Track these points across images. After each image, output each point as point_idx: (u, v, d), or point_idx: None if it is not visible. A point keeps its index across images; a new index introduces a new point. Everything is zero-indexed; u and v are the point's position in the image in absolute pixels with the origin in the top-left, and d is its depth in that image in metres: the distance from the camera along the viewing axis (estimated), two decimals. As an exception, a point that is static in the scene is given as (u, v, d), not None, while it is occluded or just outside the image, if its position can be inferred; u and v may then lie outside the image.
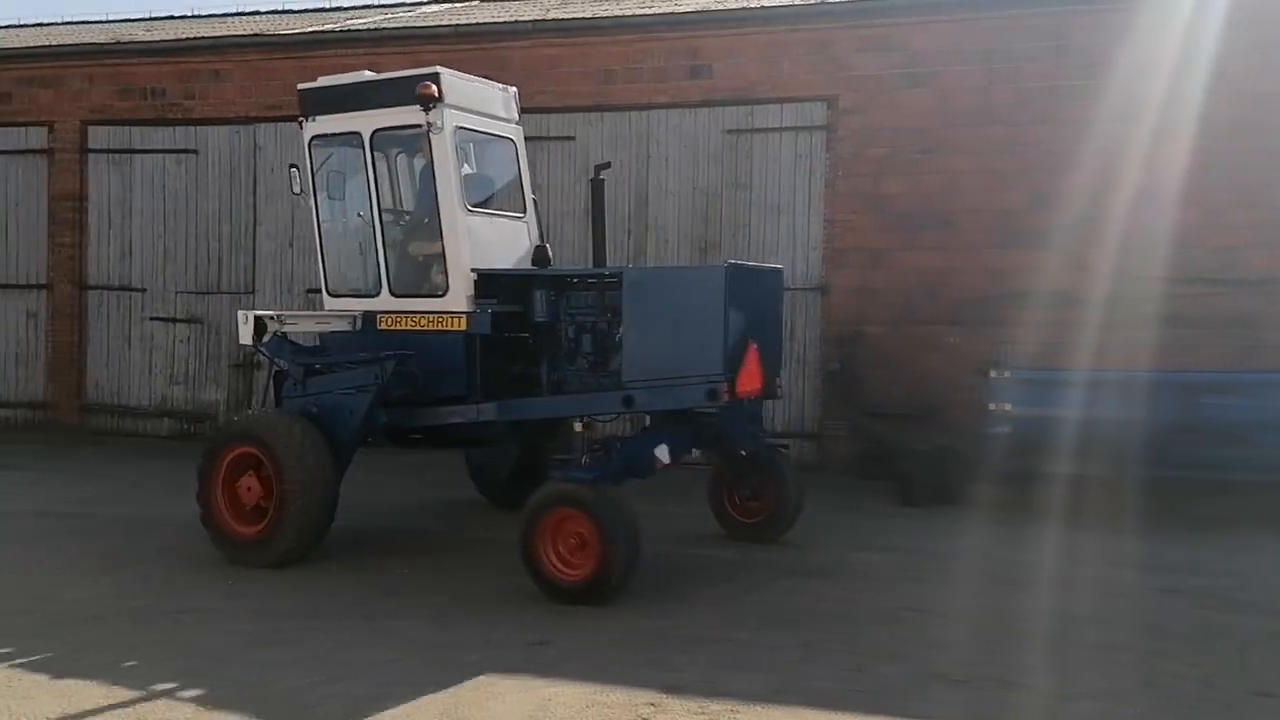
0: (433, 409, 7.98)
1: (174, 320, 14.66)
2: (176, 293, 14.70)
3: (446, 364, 7.87)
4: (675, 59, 12.75)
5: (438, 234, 7.96)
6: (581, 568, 6.43)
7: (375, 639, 5.69)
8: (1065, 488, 8.88)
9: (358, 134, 8.26)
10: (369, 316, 8.14)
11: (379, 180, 8.39)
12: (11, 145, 15.10)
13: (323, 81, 8.76)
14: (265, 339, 7.93)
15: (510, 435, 8.42)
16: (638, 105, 12.91)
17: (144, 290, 14.77)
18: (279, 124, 14.21)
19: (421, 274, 8.31)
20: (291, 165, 9.01)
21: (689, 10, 12.91)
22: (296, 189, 8.74)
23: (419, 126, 7.86)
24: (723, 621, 6.11)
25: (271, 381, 8.54)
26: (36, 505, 9.49)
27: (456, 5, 16.46)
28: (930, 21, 11.76)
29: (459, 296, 7.85)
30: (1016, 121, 11.34)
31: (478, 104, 8.59)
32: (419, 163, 8.56)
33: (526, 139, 13.37)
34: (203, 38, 14.64)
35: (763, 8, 12.50)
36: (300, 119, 8.70)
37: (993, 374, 9.91)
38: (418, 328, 8.00)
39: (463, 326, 7.80)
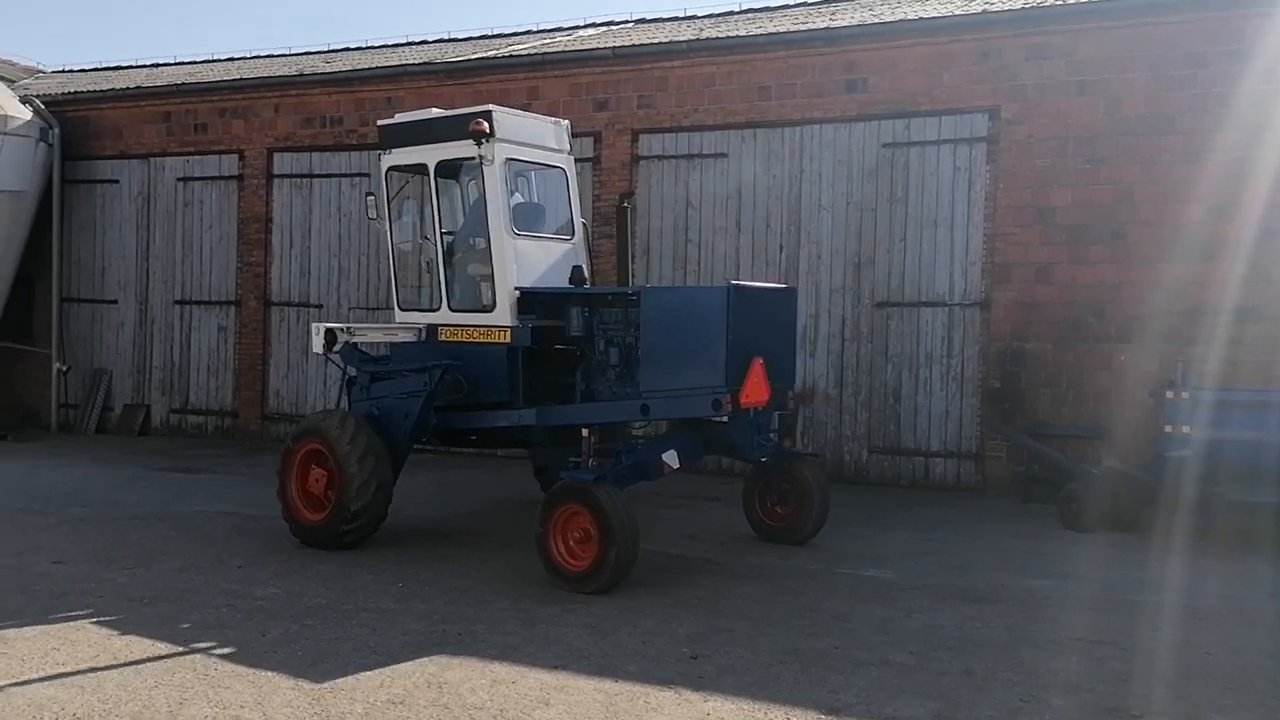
0: (480, 413, 8.86)
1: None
2: (350, 309, 15.49)
3: (492, 372, 8.68)
4: (831, 73, 12.68)
5: (488, 256, 8.80)
6: (584, 559, 7.08)
7: (535, 645, 5.86)
8: (1247, 515, 8.38)
9: (424, 165, 9.15)
10: (432, 329, 9.04)
11: (442, 206, 9.23)
12: (208, 172, 16.29)
13: (399, 118, 9.71)
14: (336, 348, 8.86)
15: (548, 438, 9.08)
16: (792, 121, 12.89)
17: (321, 306, 15.63)
18: (445, 147, 14.83)
19: (474, 291, 9.16)
20: (368, 194, 9.97)
21: (846, 24, 12.81)
22: (373, 214, 9.67)
23: (468, 159, 8.80)
24: (883, 644, 6.03)
25: (344, 386, 9.43)
26: (223, 507, 10.20)
27: (614, 27, 16.82)
28: (1097, 28, 11.33)
29: (504, 312, 8.68)
30: (1191, 129, 10.78)
31: (529, 137, 9.31)
32: (474, 191, 9.34)
33: (680, 157, 13.60)
34: (377, 67, 15.44)
35: (922, 19, 12.29)
36: (380, 152, 9.57)
37: (1169, 394, 9.42)
38: (471, 340, 8.87)
39: (507, 339, 8.65)
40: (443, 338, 9.00)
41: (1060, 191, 11.47)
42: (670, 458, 7.85)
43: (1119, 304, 11.10)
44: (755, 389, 7.68)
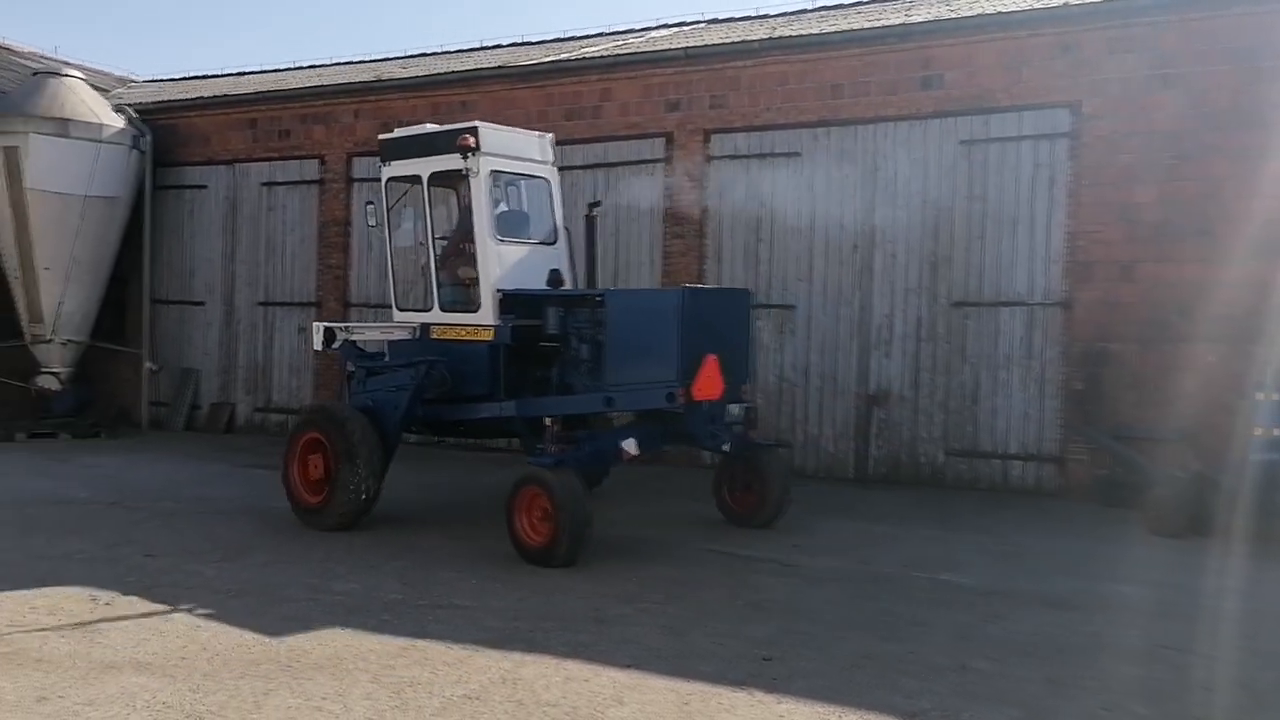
0: (465, 405, 9.55)
1: (422, 335, 15.69)
2: (425, 309, 15.72)
3: (477, 368, 9.40)
4: (906, 70, 12.51)
5: (473, 260, 9.50)
6: (543, 535, 7.82)
7: (608, 644, 5.90)
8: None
9: (419, 176, 9.83)
10: (424, 328, 9.74)
11: (435, 214, 9.91)
12: (290, 177, 16.71)
13: (397, 133, 10.48)
14: (335, 346, 9.67)
15: (526, 428, 9.55)
16: (865, 119, 12.76)
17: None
18: (518, 150, 14.99)
19: (462, 293, 9.81)
20: (368, 202, 10.74)
21: (921, 20, 12.62)
22: (372, 222, 10.46)
23: (455, 171, 9.49)
24: (961, 649, 5.94)
25: (345, 380, 10.25)
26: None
27: (686, 28, 16.81)
28: (1181, 19, 11.00)
29: (488, 312, 9.40)
30: (1282, 123, 10.40)
31: (513, 150, 10.02)
32: (458, 196, 10.08)
33: (752, 156, 13.56)
34: (451, 72, 15.67)
35: (1000, 13, 12.06)
36: (380, 164, 10.27)
37: (1259, 396, 9.11)
38: (459, 338, 9.59)
39: (490, 337, 9.37)
40: (434, 336, 9.69)
41: (1144, 188, 11.16)
42: (629, 445, 8.58)
43: (1205, 303, 10.75)
44: (708, 383, 8.25)
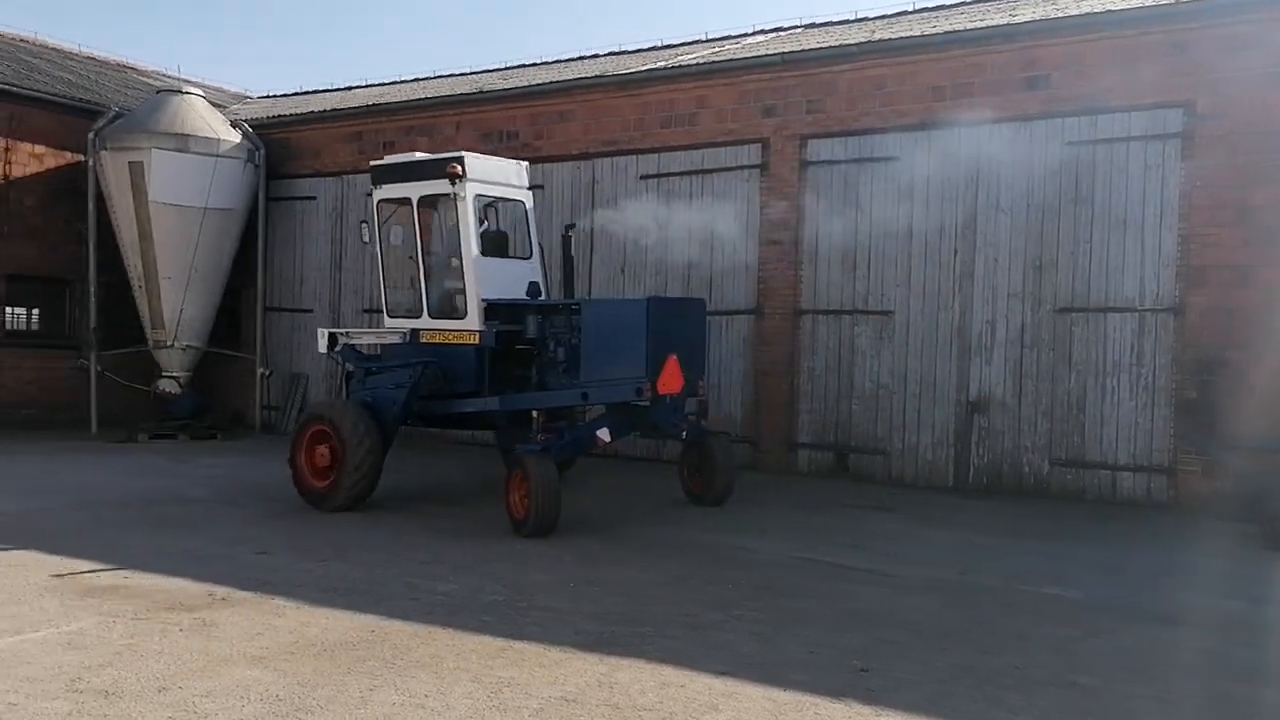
0: (455, 400, 10.80)
1: (520, 341, 15.96)
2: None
3: (465, 368, 10.70)
4: (1010, 71, 12.26)
5: (460, 273, 10.75)
6: (520, 511, 9.14)
7: (702, 650, 5.91)
8: None
9: (409, 199, 11.02)
10: (414, 333, 10.98)
11: (422, 232, 11.04)
12: (393, 187, 17.16)
13: (387, 159, 11.68)
14: (337, 348, 11.07)
15: (508, 420, 10.97)
16: (967, 121, 12.52)
17: (496, 314, 16.20)
18: (614, 158, 15.18)
19: (449, 302, 11.02)
20: (362, 221, 11.83)
21: (1027, 20, 12.34)
22: (366, 239, 11.47)
23: (444, 195, 10.72)
24: (1065, 665, 5.78)
25: (344, 379, 11.52)
26: (408, 505, 10.72)
27: (783, 33, 16.76)
28: (1302, 14, 10.53)
29: (474, 319, 10.65)
30: None
31: (495, 176, 11.33)
32: (445, 217, 11.19)
33: (849, 161, 13.52)
34: (550, 82, 15.92)
35: (1109, 11, 11.72)
36: (371, 187, 11.41)
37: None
38: (446, 341, 10.83)
39: (476, 341, 10.63)
40: (424, 339, 10.94)
41: (1262, 189, 10.72)
42: (603, 433, 10.02)
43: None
44: (670, 379, 9.60)
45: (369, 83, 21.75)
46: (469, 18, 66.60)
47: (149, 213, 16.60)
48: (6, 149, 17.15)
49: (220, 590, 6.96)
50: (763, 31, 17.40)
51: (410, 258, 11.23)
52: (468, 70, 20.48)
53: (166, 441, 16.14)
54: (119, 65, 23.41)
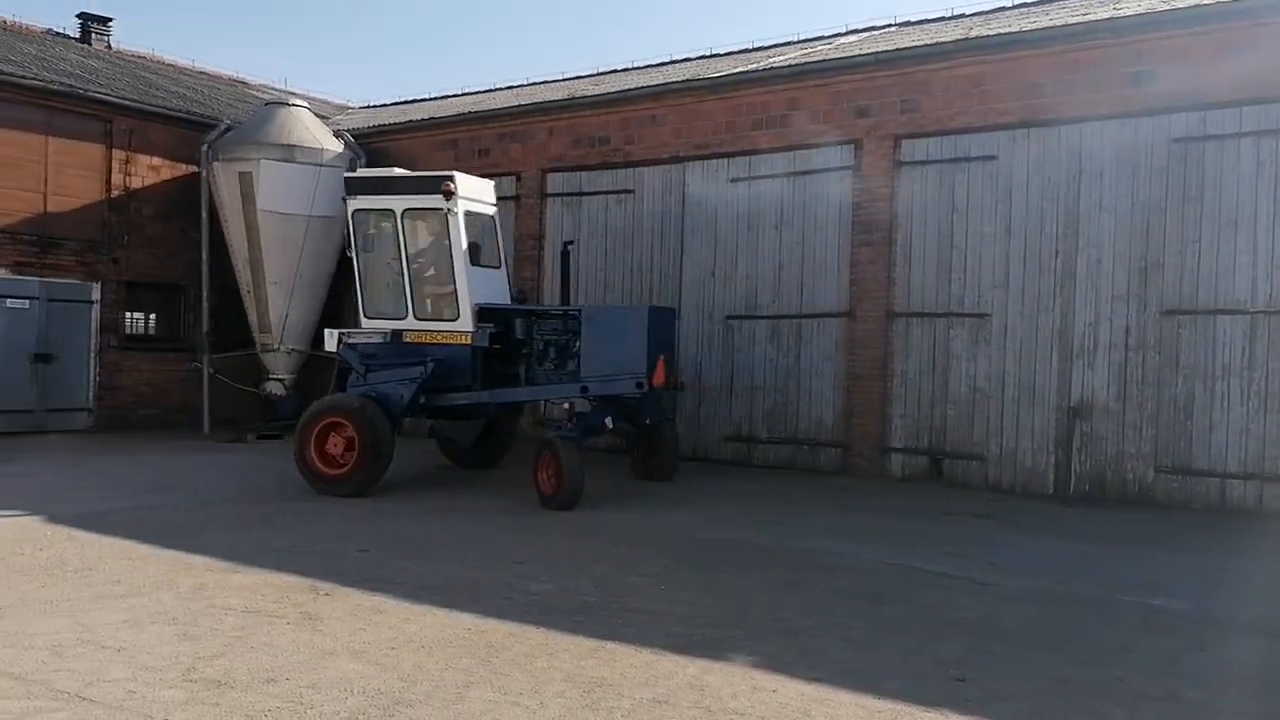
0: (450, 394, 11.94)
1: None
2: (615, 319, 16.12)
3: (459, 365, 11.81)
4: (1114, 67, 11.91)
5: (451, 280, 11.91)
6: (550, 486, 10.65)
7: (794, 655, 5.89)
8: None
9: (392, 211, 12.02)
10: (396, 333, 11.99)
11: (406, 241, 11.99)
12: (488, 193, 17.51)
13: (361, 173, 13.27)
14: (340, 347, 12.13)
15: (496, 412, 12.82)
16: (1069, 119, 12.22)
17: (587, 317, 16.37)
18: (704, 161, 15.21)
19: (438, 305, 12.14)
20: (343, 233, 12.85)
21: (1132, 14, 11.97)
22: (350, 251, 12.40)
23: (439, 209, 11.82)
24: (1170, 678, 5.60)
25: (337, 376, 12.47)
26: (501, 505, 10.92)
27: (876, 32, 16.57)
28: None
29: (466, 321, 11.81)
30: None
31: (475, 194, 12.48)
32: (430, 229, 12.30)
33: (945, 161, 13.37)
34: (641, 87, 16.03)
35: (1219, 3, 11.29)
36: (345, 197, 12.29)
37: None
38: (435, 341, 11.89)
39: (469, 341, 11.78)
40: (408, 339, 11.95)
41: (1390, 184, 10.19)
42: (609, 421, 11.48)
43: None
44: (660, 375, 11.30)
45: (465, 91, 22.21)
46: (563, 25, 67.38)
47: (257, 221, 17.24)
48: (127, 161, 18.02)
49: (324, 585, 7.19)
50: (855, 31, 17.22)
51: (389, 264, 12.18)
52: (561, 76, 20.77)
53: (272, 441, 16.71)
54: (231, 80, 24.37)
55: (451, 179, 11.82)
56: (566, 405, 11.46)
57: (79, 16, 22.60)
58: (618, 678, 5.43)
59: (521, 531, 9.51)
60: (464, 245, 11.88)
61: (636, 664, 5.67)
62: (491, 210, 12.90)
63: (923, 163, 13.37)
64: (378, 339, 12.04)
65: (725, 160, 15.03)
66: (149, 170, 18.36)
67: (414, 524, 9.79)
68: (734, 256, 14.98)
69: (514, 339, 12.17)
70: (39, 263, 16.88)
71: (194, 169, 18.30)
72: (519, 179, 17.13)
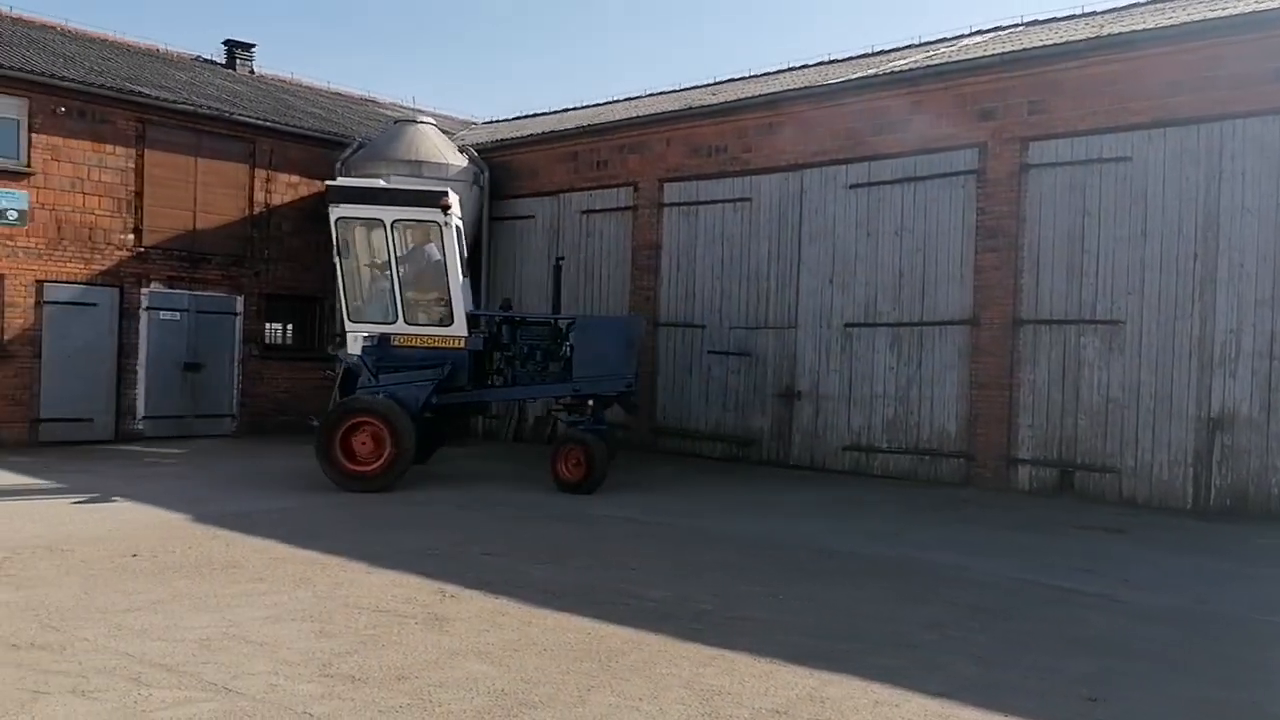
0: (451, 393, 12.81)
1: (727, 353, 16.13)
2: (730, 328, 16.15)
3: (459, 368, 12.68)
4: (1258, 62, 11.35)
5: (445, 288, 12.64)
6: (577, 475, 12.20)
7: (917, 669, 5.80)
8: None
9: (380, 220, 12.57)
10: (384, 337, 12.60)
11: (395, 250, 12.54)
12: (607, 204, 17.77)
13: (344, 182, 13.93)
14: (361, 351, 12.60)
15: (483, 410, 14.44)
16: (1208, 117, 11.70)
17: (703, 326, 16.44)
18: (822, 168, 15.09)
19: (430, 311, 12.84)
20: (331, 239, 12.95)
21: (1276, 7, 11.38)
22: (337, 257, 12.74)
23: (434, 222, 12.50)
24: (1319, 706, 5.31)
25: (341, 377, 13.16)
26: (621, 512, 11.06)
27: (1002, 33, 16.18)
28: None
29: (460, 327, 12.64)
30: None
31: (458, 208, 13.07)
32: (416, 239, 12.93)
33: (1075, 163, 13.05)
34: (756, 96, 16.02)
35: (1376, -11, 10.63)
36: (329, 205, 12.66)
37: None
38: (428, 345, 12.61)
39: (463, 345, 12.65)
40: (396, 343, 12.62)
41: None
42: (607, 417, 13.10)
43: None
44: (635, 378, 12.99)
45: (583, 104, 22.56)
46: (682, 35, 67.73)
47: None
48: (268, 180, 18.96)
49: (450, 588, 7.42)
50: (980, 32, 16.83)
51: (377, 271, 12.83)
52: (677, 87, 20.89)
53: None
54: (361, 99, 25.37)
55: (446, 194, 12.59)
56: (590, 402, 12.75)
57: (225, 43, 23.89)
58: (736, 686, 5.45)
59: (634, 539, 9.62)
60: (458, 255, 12.62)
61: (755, 673, 5.68)
62: (460, 224, 13.35)
63: (1051, 165, 12.97)
64: (369, 342, 12.65)
65: (844, 166, 14.88)
66: (287, 187, 19.26)
67: (538, 530, 10.00)
68: (852, 263, 14.82)
69: (500, 343, 13.27)
70: (189, 277, 17.89)
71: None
72: (635, 189, 17.31)
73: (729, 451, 16.03)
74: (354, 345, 12.72)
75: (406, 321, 12.68)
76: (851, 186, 14.82)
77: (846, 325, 14.87)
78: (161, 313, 17.60)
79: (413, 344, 12.64)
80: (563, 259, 15.01)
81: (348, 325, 12.91)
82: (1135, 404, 12.27)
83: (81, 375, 16.64)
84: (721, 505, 11.67)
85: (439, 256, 12.69)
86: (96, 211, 16.84)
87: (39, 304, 16.21)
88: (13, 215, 15.91)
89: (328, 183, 13.47)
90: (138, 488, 11.76)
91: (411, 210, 12.63)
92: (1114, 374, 12.44)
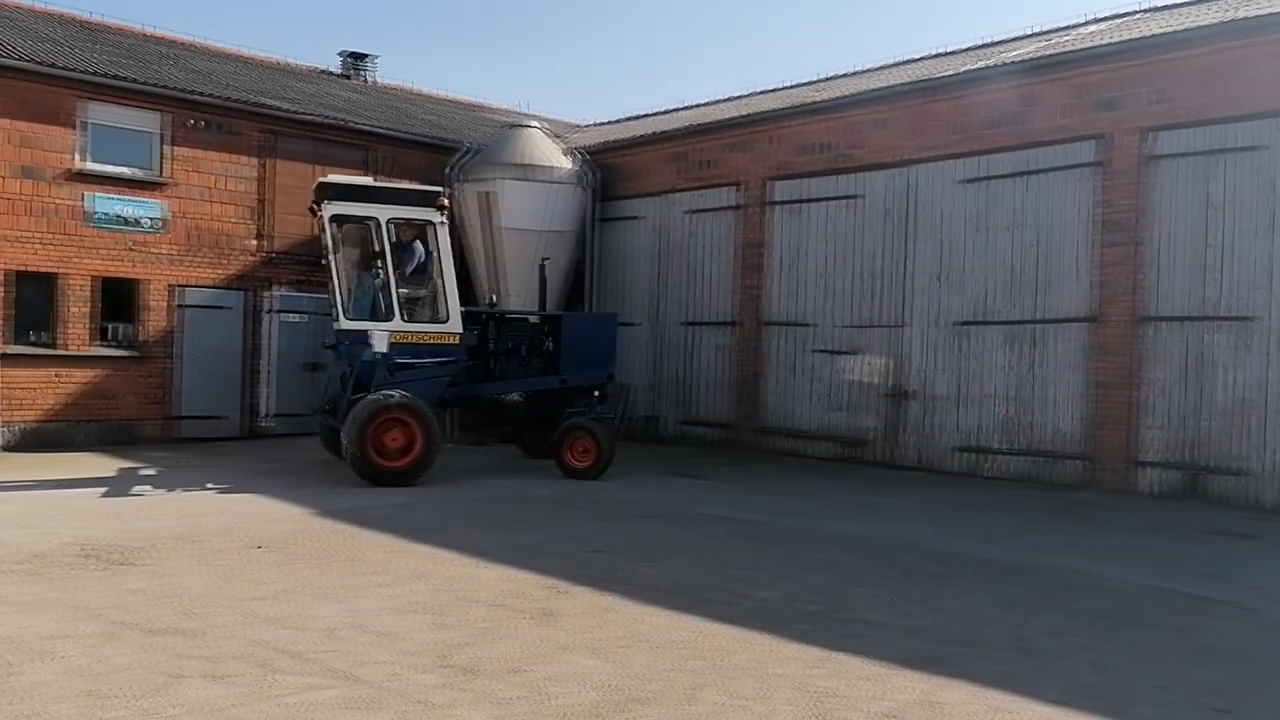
0: (450, 387, 13.34)
1: (835, 352, 15.95)
2: (837, 327, 15.97)
3: (459, 362, 13.25)
4: (1405, 40, 10.68)
5: (440, 286, 13.07)
6: (586, 461, 13.14)
7: (1035, 676, 5.65)
8: None
9: (375, 218, 12.79)
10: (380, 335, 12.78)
11: (389, 248, 12.71)
12: (712, 204, 17.77)
13: (336, 179, 13.48)
14: (375, 350, 12.74)
15: (475, 405, 14.54)
16: (1351, 100, 11.04)
17: (812, 325, 16.29)
18: (933, 163, 14.81)
19: (427, 309, 13.25)
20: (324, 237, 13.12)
21: None
22: (326, 254, 12.88)
23: (428, 221, 12.97)
24: None
25: (354, 375, 12.92)
26: (725, 511, 11.07)
27: (1122, 20, 15.61)
28: None
29: (455, 323, 13.10)
30: None
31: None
32: (406, 237, 13.07)
33: (1200, 153, 12.50)
34: (864, 92, 15.81)
35: None
36: (319, 202, 12.76)
37: None
38: (424, 342, 12.96)
39: (458, 341, 13.14)
40: (395, 340, 12.80)
41: None
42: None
43: None
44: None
45: (689, 104, 22.60)
46: (786, 34, 67.21)
47: (496, 238, 18.28)
48: (383, 185, 19.53)
49: (559, 584, 7.54)
50: (1098, 20, 16.26)
51: (371, 268, 12.97)
52: (783, 85, 20.75)
53: (509, 446, 17.58)
54: (472, 105, 25.93)
55: (441, 193, 13.05)
56: (596, 393, 13.82)
57: (341, 54, 24.71)
58: (847, 689, 5.41)
59: (740, 538, 9.60)
60: (450, 255, 13.00)
61: (866, 676, 5.62)
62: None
63: (1176, 155, 12.45)
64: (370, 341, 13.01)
65: (955, 161, 14.57)
66: (401, 193, 19.78)
67: (642, 528, 10.08)
68: (964, 260, 14.49)
69: (488, 339, 13.93)
70: (310, 280, 18.57)
71: (440, 190, 19.57)
72: (740, 188, 17.27)
73: (836, 451, 15.86)
74: (380, 343, 12.74)
75: (404, 319, 12.91)
76: (963, 181, 14.49)
77: (958, 323, 14.54)
78: (287, 315, 18.35)
79: (409, 340, 12.89)
80: (548, 259, 15.62)
81: (343, 323, 12.94)
82: (1266, 404, 11.68)
83: (214, 375, 17.46)
84: (828, 506, 11.56)
85: (432, 254, 13.04)
86: (227, 219, 17.65)
87: (175, 307, 17.07)
88: (151, 223, 16.80)
89: (322, 180, 13.40)
90: (264, 483, 12.29)
91: (403, 209, 12.93)
92: (1246, 373, 11.87)
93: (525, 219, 18.13)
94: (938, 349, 14.77)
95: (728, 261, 17.52)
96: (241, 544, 8.75)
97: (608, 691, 5.26)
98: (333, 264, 13.02)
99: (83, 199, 16.15)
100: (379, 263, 12.94)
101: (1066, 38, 15.39)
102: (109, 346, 16.60)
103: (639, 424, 18.76)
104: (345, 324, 13.02)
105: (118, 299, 16.67)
